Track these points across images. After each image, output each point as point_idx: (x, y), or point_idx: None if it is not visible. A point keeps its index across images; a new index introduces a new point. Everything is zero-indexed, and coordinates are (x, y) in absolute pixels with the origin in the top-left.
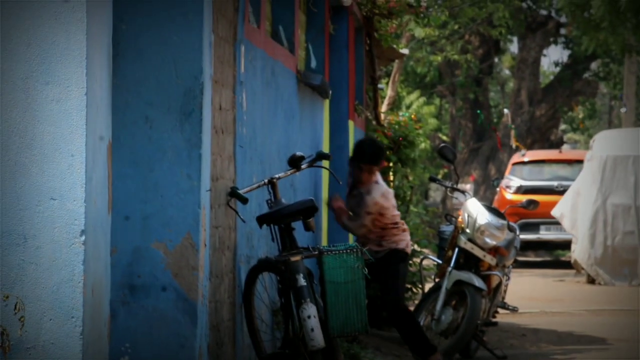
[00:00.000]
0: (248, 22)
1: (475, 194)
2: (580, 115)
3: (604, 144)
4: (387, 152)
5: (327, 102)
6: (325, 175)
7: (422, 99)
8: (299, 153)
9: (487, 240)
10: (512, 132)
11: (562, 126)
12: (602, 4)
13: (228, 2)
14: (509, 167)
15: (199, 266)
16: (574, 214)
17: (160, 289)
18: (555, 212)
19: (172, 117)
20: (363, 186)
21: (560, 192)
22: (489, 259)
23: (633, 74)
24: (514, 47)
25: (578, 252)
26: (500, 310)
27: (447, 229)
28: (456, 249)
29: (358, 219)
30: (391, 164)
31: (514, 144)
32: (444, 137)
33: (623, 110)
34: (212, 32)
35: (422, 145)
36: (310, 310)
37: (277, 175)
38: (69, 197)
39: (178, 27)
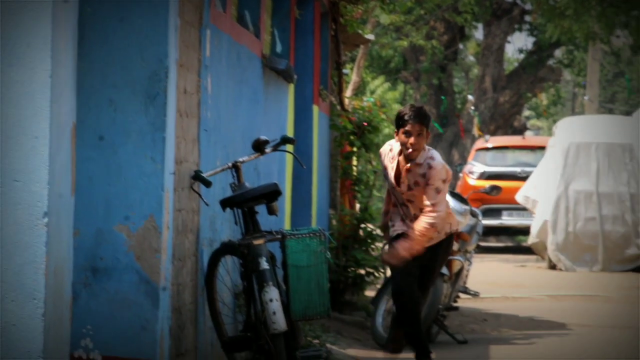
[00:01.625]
0: (214, 6)
1: None
2: (544, 102)
3: (567, 131)
4: (351, 137)
5: (292, 87)
6: (289, 159)
7: (387, 85)
8: (263, 137)
9: None
10: (475, 119)
11: (526, 113)
12: None
13: None
14: (472, 153)
15: (161, 249)
16: (538, 197)
17: (122, 272)
18: (519, 197)
19: (137, 100)
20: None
21: (523, 178)
22: None
23: (597, 61)
24: (478, 33)
25: (536, 237)
26: (461, 295)
27: None
28: None
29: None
30: (355, 149)
31: (476, 132)
32: None
33: (586, 97)
34: (178, 16)
35: (386, 131)
36: (273, 293)
37: (241, 159)
38: (32, 179)
39: (144, 11)
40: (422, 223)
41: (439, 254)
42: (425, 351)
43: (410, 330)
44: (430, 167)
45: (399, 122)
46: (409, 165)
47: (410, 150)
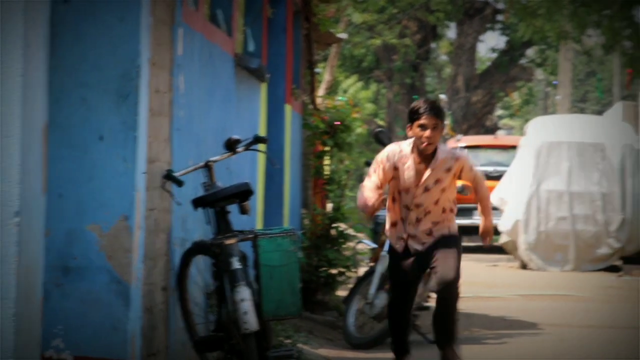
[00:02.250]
0: (186, 5)
1: None
2: (516, 101)
3: (539, 130)
4: (323, 137)
5: (264, 86)
6: (261, 158)
7: (359, 84)
8: (235, 136)
9: None
10: (448, 119)
11: (498, 112)
12: None
13: None
14: None
15: (133, 249)
16: (510, 196)
17: (94, 271)
18: (494, 199)
19: (109, 99)
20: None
21: (496, 177)
22: None
23: (568, 60)
24: (451, 32)
25: (507, 237)
26: (433, 294)
27: (382, 213)
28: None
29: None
30: (327, 148)
31: (448, 132)
32: (381, 122)
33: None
34: (150, 15)
35: (359, 130)
36: (244, 293)
37: (213, 159)
38: (4, 178)
39: (116, 9)
40: (486, 204)
41: (445, 247)
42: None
43: (396, 340)
44: (457, 158)
45: (413, 115)
46: (432, 164)
47: (425, 144)
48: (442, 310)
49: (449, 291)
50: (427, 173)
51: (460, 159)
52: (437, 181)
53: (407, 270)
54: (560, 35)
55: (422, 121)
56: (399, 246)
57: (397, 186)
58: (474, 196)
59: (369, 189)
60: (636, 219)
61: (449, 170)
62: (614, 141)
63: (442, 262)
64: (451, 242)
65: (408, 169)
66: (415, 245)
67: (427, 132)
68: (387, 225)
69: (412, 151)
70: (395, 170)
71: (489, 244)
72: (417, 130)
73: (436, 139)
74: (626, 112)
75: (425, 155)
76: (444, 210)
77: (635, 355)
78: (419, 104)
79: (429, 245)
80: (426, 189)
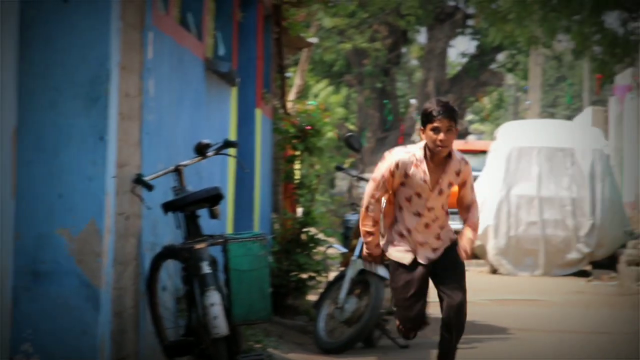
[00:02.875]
0: (156, 8)
1: None
2: (487, 106)
3: (509, 135)
4: (294, 141)
5: (234, 90)
6: (232, 163)
7: (330, 88)
8: (205, 140)
9: None
10: (418, 123)
11: (469, 117)
12: None
13: None
14: None
15: (102, 253)
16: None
17: (63, 276)
18: None
19: (79, 103)
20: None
21: None
22: None
23: (539, 65)
24: (421, 37)
25: (477, 241)
26: None
27: (352, 217)
28: (361, 238)
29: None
30: (298, 153)
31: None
32: (352, 126)
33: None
34: (119, 19)
35: (329, 134)
36: (214, 297)
37: (183, 163)
38: None
39: (86, 13)
40: (475, 217)
41: (453, 259)
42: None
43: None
44: (466, 163)
45: (426, 118)
46: (448, 166)
47: (439, 148)
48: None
49: (459, 317)
50: (444, 176)
51: (468, 163)
52: (450, 184)
53: (418, 282)
54: (531, 40)
55: (436, 124)
56: (407, 258)
57: (406, 193)
58: (459, 205)
59: (371, 224)
60: (605, 224)
61: (458, 173)
62: (584, 146)
63: (451, 288)
64: (459, 262)
65: (422, 174)
66: (426, 254)
67: (441, 136)
68: (384, 240)
69: (425, 155)
70: (406, 177)
71: (466, 259)
72: (430, 133)
73: (450, 141)
74: (595, 117)
75: (439, 159)
76: (446, 213)
77: (605, 359)
78: (432, 105)
79: (440, 255)
80: (440, 192)
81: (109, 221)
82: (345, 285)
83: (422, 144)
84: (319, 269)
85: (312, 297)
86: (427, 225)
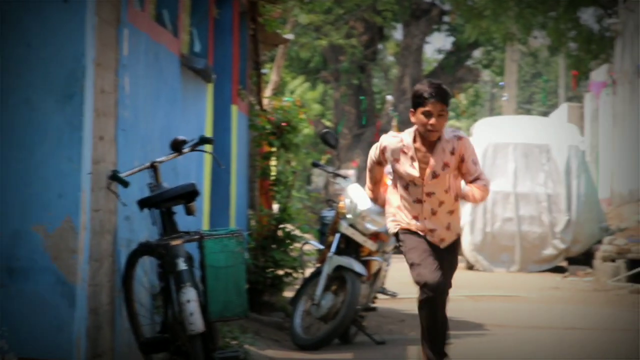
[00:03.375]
0: (132, 5)
1: (358, 179)
2: (463, 102)
3: (485, 131)
4: (270, 137)
5: (210, 87)
6: (208, 159)
7: (306, 85)
8: (181, 137)
9: (368, 225)
10: (394, 120)
11: None
12: None
13: None
14: None
15: (78, 249)
16: None
17: (39, 272)
18: None
19: (54, 100)
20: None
21: None
22: (370, 245)
23: (514, 62)
24: (397, 33)
25: None
26: (379, 295)
27: (329, 214)
28: (337, 235)
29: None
30: (274, 149)
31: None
32: (328, 123)
33: (504, 98)
34: (95, 15)
35: (306, 131)
36: (190, 294)
37: (159, 159)
38: None
39: (61, 10)
40: (481, 183)
41: (453, 257)
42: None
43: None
44: (459, 138)
45: (417, 100)
46: (437, 148)
47: (430, 132)
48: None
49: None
50: (433, 159)
51: (463, 138)
52: (445, 165)
53: (429, 247)
54: (506, 36)
55: (427, 108)
56: (414, 226)
57: (402, 181)
58: (466, 182)
59: (371, 186)
60: (581, 220)
61: (453, 152)
62: (560, 142)
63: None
64: (455, 261)
65: (411, 159)
66: (434, 239)
67: (432, 120)
68: (392, 208)
69: (415, 140)
70: (396, 162)
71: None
72: (421, 117)
73: (442, 126)
74: (571, 114)
75: (430, 142)
76: (455, 199)
77: (581, 355)
78: (424, 87)
79: (443, 250)
80: (434, 176)
81: (85, 218)
82: (322, 281)
83: (412, 128)
84: (295, 266)
85: (289, 293)
86: (433, 212)
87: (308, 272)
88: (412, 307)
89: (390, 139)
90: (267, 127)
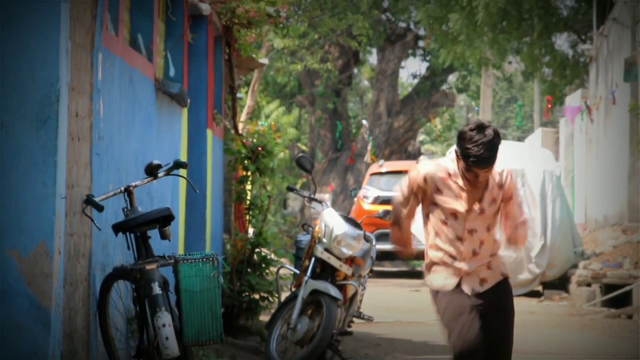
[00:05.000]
0: (106, 29)
1: (334, 203)
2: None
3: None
4: (245, 162)
5: (185, 111)
6: (183, 183)
7: (282, 109)
8: (156, 161)
9: (344, 250)
10: (370, 144)
11: (420, 137)
12: (459, 18)
13: (86, 9)
14: (367, 177)
15: (53, 274)
16: None
17: (13, 297)
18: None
19: (28, 124)
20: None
21: None
22: (345, 269)
23: (489, 87)
24: (373, 58)
25: None
26: (355, 319)
27: (304, 238)
28: (313, 259)
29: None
30: (249, 173)
31: (369, 158)
32: (303, 147)
33: None
34: (69, 39)
35: (281, 155)
36: (165, 318)
37: (133, 184)
38: None
39: (35, 34)
40: (523, 232)
41: (505, 311)
42: None
43: None
44: (509, 174)
45: (462, 151)
46: (490, 180)
47: (479, 183)
48: None
49: None
50: (485, 192)
51: (512, 174)
52: (493, 201)
53: (466, 307)
54: (481, 61)
55: (474, 170)
56: (449, 285)
57: (440, 214)
58: (505, 225)
59: (400, 223)
60: (556, 245)
61: (501, 186)
62: (535, 167)
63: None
64: (510, 307)
65: (460, 190)
66: (472, 285)
67: (479, 179)
68: (428, 260)
69: (459, 169)
70: (438, 193)
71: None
72: (467, 174)
73: (488, 176)
74: (546, 139)
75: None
76: (495, 241)
77: None
78: (472, 146)
79: (489, 291)
80: (481, 211)
81: (59, 242)
82: (298, 305)
83: (454, 155)
84: (271, 290)
85: (265, 317)
86: (474, 253)
87: (284, 296)
88: (389, 331)
89: (432, 167)
90: (242, 152)
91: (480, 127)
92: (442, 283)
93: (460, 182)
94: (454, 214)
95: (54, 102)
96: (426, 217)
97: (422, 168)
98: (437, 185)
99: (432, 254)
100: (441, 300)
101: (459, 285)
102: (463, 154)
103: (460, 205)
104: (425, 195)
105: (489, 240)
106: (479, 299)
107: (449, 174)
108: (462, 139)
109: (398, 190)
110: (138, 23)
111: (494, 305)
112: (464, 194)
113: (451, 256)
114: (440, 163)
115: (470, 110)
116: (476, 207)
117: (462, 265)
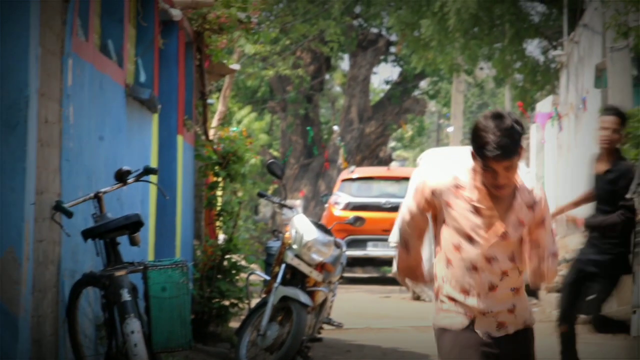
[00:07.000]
0: (76, 35)
1: (305, 209)
2: (409, 133)
3: (432, 162)
4: (216, 168)
5: (155, 117)
6: (153, 190)
7: (253, 115)
8: (125, 167)
9: (314, 256)
10: (341, 150)
11: (392, 143)
12: (431, 24)
13: (55, 15)
14: (338, 183)
15: (21, 280)
16: None
17: None
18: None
19: None
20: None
21: (388, 209)
22: (316, 275)
23: (460, 93)
24: (344, 64)
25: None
26: (325, 326)
27: (275, 244)
28: (283, 265)
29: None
30: (220, 179)
31: (342, 163)
32: (275, 153)
33: (450, 129)
34: (39, 45)
35: (253, 161)
36: (134, 325)
37: (103, 190)
38: None
39: (4, 39)
40: (555, 265)
41: (524, 356)
42: None
43: None
44: (542, 192)
45: (477, 148)
46: (515, 199)
47: (500, 189)
48: None
49: None
50: (509, 212)
51: (538, 186)
52: (519, 223)
53: (479, 355)
54: (452, 67)
55: (491, 166)
56: (458, 323)
57: (452, 237)
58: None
59: (408, 246)
60: None
61: (532, 206)
62: None
63: None
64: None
65: (471, 207)
66: (488, 328)
67: (500, 180)
68: (436, 285)
69: (476, 179)
70: (448, 207)
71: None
72: (485, 174)
73: (513, 178)
74: None
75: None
76: (520, 274)
77: None
78: (486, 136)
79: (507, 339)
80: (504, 236)
81: (28, 248)
82: (267, 312)
83: (469, 165)
84: (241, 296)
85: (234, 324)
86: (492, 287)
87: (254, 302)
88: (359, 338)
89: (439, 177)
90: (213, 157)
91: (498, 115)
92: (450, 322)
93: (476, 195)
94: (470, 237)
95: (23, 108)
96: (437, 240)
97: (429, 179)
98: (447, 199)
99: (442, 287)
100: (446, 341)
101: (470, 325)
102: (478, 146)
103: (475, 226)
104: (435, 210)
105: (513, 272)
106: (493, 345)
107: (462, 187)
108: (476, 129)
109: (404, 205)
110: (108, 28)
111: (509, 355)
112: (479, 213)
113: (463, 291)
114: (453, 172)
115: (442, 117)
116: (498, 229)
117: (475, 303)
